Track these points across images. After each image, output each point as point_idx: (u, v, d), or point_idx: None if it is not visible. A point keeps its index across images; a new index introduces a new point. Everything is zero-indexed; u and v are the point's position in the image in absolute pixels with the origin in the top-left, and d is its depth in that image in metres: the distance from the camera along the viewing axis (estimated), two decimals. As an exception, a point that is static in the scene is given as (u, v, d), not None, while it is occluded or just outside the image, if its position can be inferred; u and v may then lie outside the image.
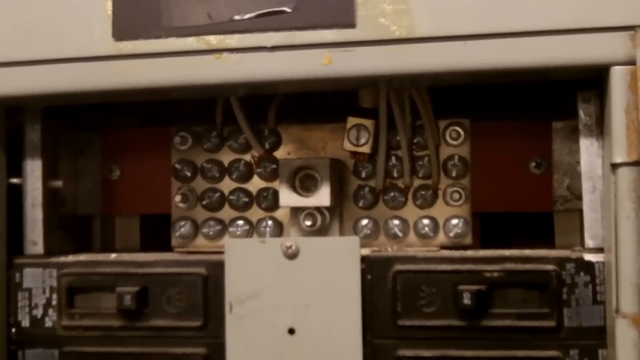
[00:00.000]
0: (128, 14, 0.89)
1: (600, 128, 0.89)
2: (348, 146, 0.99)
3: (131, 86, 0.90)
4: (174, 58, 0.88)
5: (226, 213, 1.05)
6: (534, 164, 0.99)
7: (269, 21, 0.86)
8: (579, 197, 0.96)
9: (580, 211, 0.97)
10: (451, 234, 0.99)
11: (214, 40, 0.87)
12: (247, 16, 0.86)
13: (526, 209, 1.01)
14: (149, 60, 0.89)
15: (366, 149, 0.98)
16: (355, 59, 0.85)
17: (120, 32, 0.89)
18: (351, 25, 0.85)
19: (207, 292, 0.94)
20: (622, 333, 0.81)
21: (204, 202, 1.05)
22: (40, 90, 0.91)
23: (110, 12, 0.89)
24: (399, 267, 0.91)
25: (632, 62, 0.80)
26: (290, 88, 0.92)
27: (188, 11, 0.87)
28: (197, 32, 0.87)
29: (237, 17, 0.86)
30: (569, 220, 1.02)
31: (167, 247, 1.04)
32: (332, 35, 0.85)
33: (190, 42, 0.88)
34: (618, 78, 0.81)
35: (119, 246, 1.13)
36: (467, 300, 0.88)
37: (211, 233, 1.04)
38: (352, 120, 0.99)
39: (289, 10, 0.86)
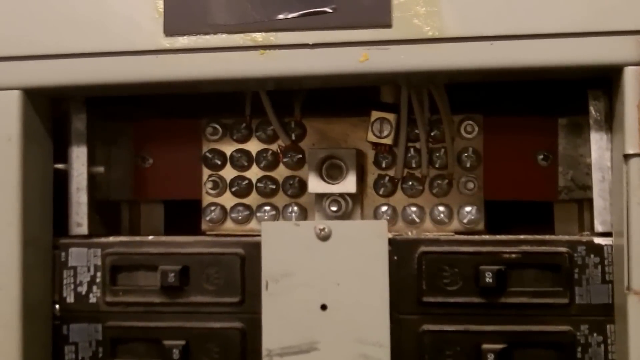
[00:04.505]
0: (178, 12, 0.95)
1: (608, 123, 0.97)
2: (371, 137, 1.06)
3: (179, 79, 0.96)
4: (221, 53, 0.95)
5: (254, 199, 1.12)
6: (541, 156, 1.08)
7: (311, 20, 0.93)
8: (582, 188, 1.05)
9: (580, 202, 1.06)
10: (465, 220, 1.08)
11: (259, 37, 0.94)
12: (290, 16, 0.93)
13: (533, 198, 1.09)
14: (197, 54, 0.95)
15: (388, 141, 1.06)
16: (390, 56, 0.93)
17: (171, 28, 0.95)
18: (387, 25, 0.92)
19: (245, 270, 1.01)
20: (634, 308, 0.89)
21: (233, 189, 1.12)
22: (93, 81, 0.97)
23: (161, 10, 0.96)
24: (423, 248, 0.99)
25: (644, 63, 0.89)
26: (328, 83, 0.98)
27: (235, 10, 0.94)
28: (243, 30, 0.94)
29: (281, 17, 0.94)
30: (568, 211, 1.11)
31: (190, 232, 1.10)
32: (369, 34, 0.93)
33: (237, 39, 0.94)
34: (631, 77, 0.89)
35: (144, 231, 1.20)
36: (488, 279, 0.96)
37: (240, 217, 1.11)
38: (375, 114, 1.06)
39: (329, 10, 0.93)
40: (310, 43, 0.94)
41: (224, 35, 0.95)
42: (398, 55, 0.93)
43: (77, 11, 0.97)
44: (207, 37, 0.95)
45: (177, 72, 0.96)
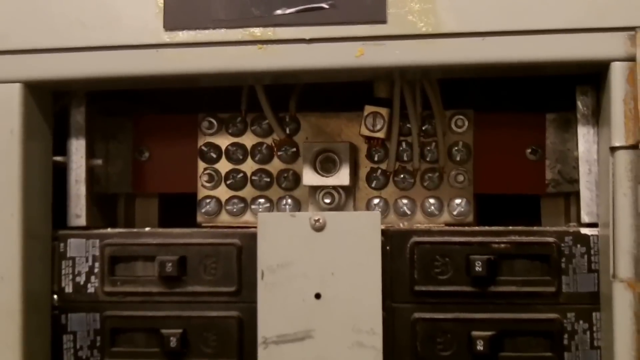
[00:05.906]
0: (178, 6, 0.97)
1: (595, 118, 1.00)
2: (365, 131, 1.09)
3: (179, 73, 0.98)
4: (220, 48, 0.97)
5: (248, 192, 1.14)
6: (529, 150, 1.11)
7: (308, 16, 0.96)
8: (569, 181, 1.08)
9: (567, 195, 1.09)
10: (455, 213, 1.11)
11: (257, 32, 0.96)
12: (288, 11, 0.96)
13: (522, 191, 1.12)
14: (197, 49, 0.97)
15: (381, 135, 1.09)
16: (385, 51, 0.95)
17: (171, 22, 0.97)
18: (382, 21, 0.95)
19: (241, 261, 1.04)
20: (619, 295, 0.92)
21: (228, 182, 1.14)
22: (94, 74, 0.99)
23: (161, 5, 0.98)
24: (416, 239, 1.02)
25: (631, 59, 0.92)
26: (324, 77, 1.01)
27: (234, 5, 0.97)
28: (242, 25, 0.96)
29: (279, 12, 0.96)
30: (555, 205, 1.13)
31: (185, 226, 1.12)
32: (365, 30, 0.95)
33: (236, 34, 0.97)
34: (618, 72, 0.92)
35: (139, 224, 1.21)
36: (478, 268, 0.99)
37: (234, 210, 1.14)
38: (368, 108, 1.09)
39: (326, 7, 0.95)
40: (307, 38, 0.96)
41: (223, 30, 0.97)
42: (393, 50, 0.95)
43: (77, 5, 0.99)
44: (207, 31, 0.97)
45: (176, 66, 0.98)
